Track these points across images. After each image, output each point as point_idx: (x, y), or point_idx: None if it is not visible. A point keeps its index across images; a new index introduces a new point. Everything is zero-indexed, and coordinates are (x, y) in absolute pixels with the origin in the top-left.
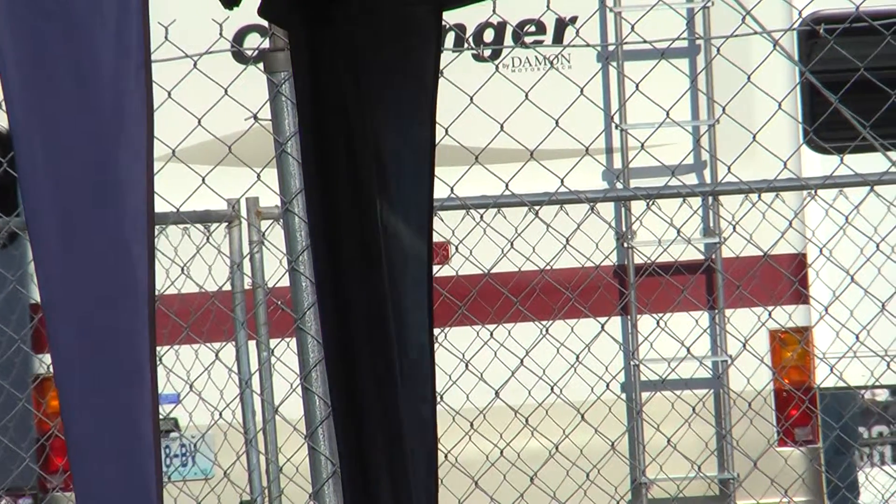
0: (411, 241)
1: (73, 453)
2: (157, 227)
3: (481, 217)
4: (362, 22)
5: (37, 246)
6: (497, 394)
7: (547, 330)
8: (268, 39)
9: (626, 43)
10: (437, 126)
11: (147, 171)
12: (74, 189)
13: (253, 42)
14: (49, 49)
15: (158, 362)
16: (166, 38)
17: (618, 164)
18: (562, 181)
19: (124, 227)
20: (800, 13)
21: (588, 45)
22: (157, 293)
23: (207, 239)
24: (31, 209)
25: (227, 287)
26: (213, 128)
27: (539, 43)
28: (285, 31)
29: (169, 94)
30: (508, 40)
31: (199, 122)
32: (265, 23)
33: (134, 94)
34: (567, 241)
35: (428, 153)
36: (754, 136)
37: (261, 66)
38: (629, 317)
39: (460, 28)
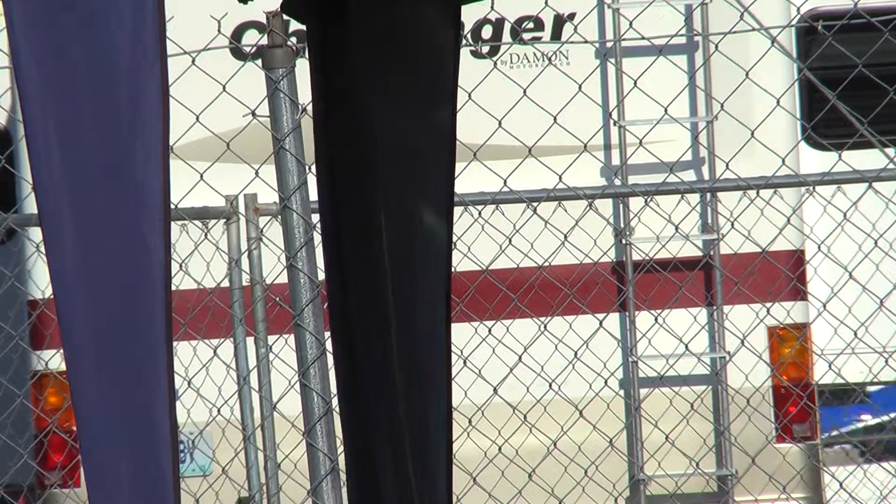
0: (431, 234)
1: (86, 447)
2: None
3: (479, 213)
4: (379, 18)
5: (50, 241)
6: (495, 390)
7: (545, 326)
8: (266, 36)
9: (624, 39)
10: None
11: (163, 166)
12: (90, 183)
13: (251, 38)
14: (65, 45)
15: None
16: None
17: (616, 160)
18: (560, 178)
19: (140, 222)
20: (798, 10)
21: (586, 42)
22: None
23: (205, 235)
24: (45, 204)
25: (226, 284)
26: (212, 124)
27: (537, 39)
28: (284, 28)
29: None
30: (507, 37)
31: (198, 118)
32: (263, 19)
33: (150, 89)
34: (565, 237)
35: (448, 146)
36: (752, 133)
37: (259, 62)
38: (627, 313)
39: None
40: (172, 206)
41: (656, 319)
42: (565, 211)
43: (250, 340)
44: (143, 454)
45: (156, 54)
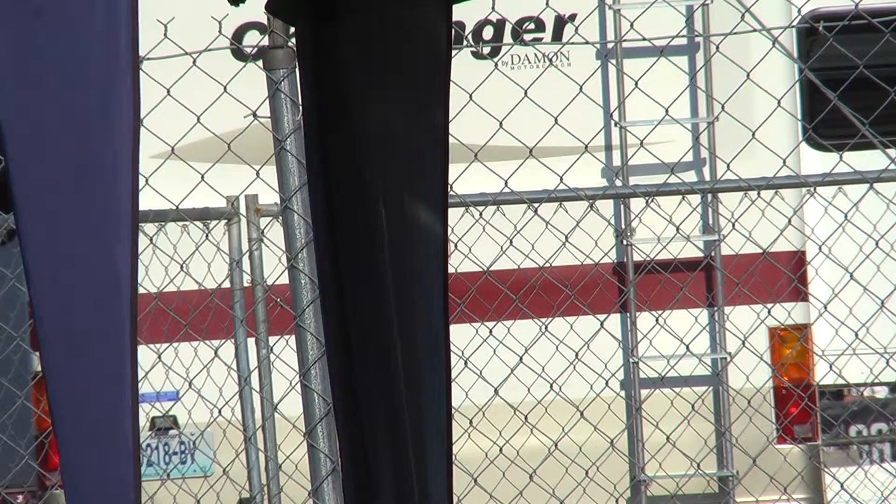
0: (425, 234)
1: (60, 451)
2: (156, 224)
3: (480, 214)
4: (369, 18)
5: (25, 245)
6: (496, 391)
7: (546, 327)
8: (267, 37)
9: (625, 40)
10: None
11: (132, 173)
12: (60, 189)
13: (252, 39)
14: (38, 48)
15: (158, 360)
16: (165, 35)
17: (617, 161)
18: (561, 178)
19: (107, 229)
20: (799, 10)
21: (587, 43)
22: (156, 290)
23: (206, 236)
24: (19, 208)
25: (227, 284)
26: (213, 125)
27: (538, 40)
28: (284, 29)
29: (168, 91)
30: (507, 38)
31: (199, 119)
32: (264, 20)
33: (121, 94)
34: (566, 238)
35: (440, 146)
36: (753, 134)
37: (260, 63)
38: (628, 314)
39: (459, 25)
40: (174, 207)
41: (657, 320)
42: (566, 212)
43: (251, 341)
44: (106, 457)
45: (128, 60)
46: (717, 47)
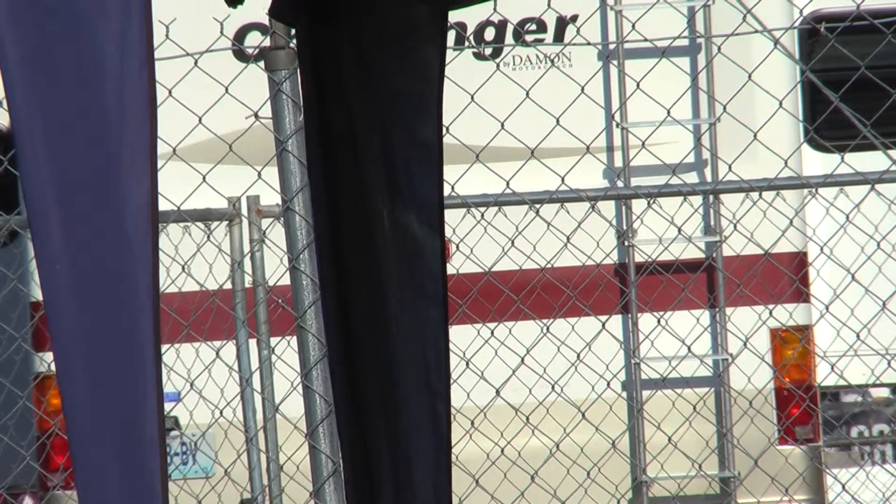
0: (422, 238)
1: (76, 453)
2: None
3: (482, 215)
4: (367, 21)
5: (40, 245)
6: (498, 392)
7: (548, 328)
8: (268, 38)
9: (626, 41)
10: None
11: (150, 170)
12: (77, 188)
13: (254, 40)
14: (51, 47)
15: None
16: (167, 36)
17: (619, 162)
18: (563, 179)
19: (127, 226)
20: (801, 11)
21: (589, 44)
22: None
23: (208, 237)
24: (33, 208)
25: (228, 285)
26: (214, 126)
27: (540, 41)
28: (286, 30)
29: (170, 92)
30: (509, 38)
31: (200, 120)
32: (266, 21)
33: (137, 92)
34: (568, 239)
35: (434, 151)
36: (755, 135)
37: (261, 64)
38: (630, 315)
39: (461, 26)
40: (175, 208)
41: (659, 321)
42: (568, 213)
43: (253, 342)
44: (131, 457)
45: (143, 58)
46: (719, 48)
